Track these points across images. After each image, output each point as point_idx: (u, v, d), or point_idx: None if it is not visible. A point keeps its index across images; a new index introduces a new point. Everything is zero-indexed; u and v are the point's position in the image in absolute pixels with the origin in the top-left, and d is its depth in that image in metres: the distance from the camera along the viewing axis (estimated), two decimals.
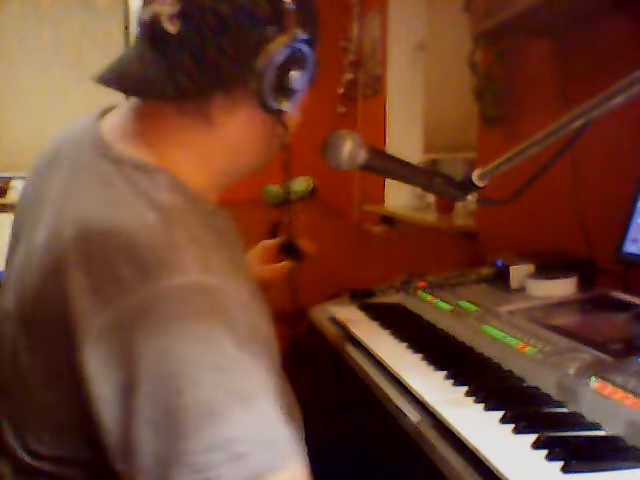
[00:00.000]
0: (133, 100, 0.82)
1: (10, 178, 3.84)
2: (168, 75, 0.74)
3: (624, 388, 0.80)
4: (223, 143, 0.82)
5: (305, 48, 0.78)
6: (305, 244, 1.20)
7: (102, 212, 0.72)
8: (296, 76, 0.78)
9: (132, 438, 0.64)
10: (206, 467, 0.62)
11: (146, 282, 0.66)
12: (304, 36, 0.77)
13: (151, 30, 0.75)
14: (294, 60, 0.77)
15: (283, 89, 0.78)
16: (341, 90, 3.86)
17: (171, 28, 0.73)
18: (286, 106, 0.79)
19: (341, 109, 3.89)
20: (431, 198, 2.92)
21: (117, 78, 0.78)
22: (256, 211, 3.58)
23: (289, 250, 1.01)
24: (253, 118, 0.81)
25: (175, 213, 0.73)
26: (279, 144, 0.85)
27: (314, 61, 0.81)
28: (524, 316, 1.15)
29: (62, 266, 0.69)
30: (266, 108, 0.78)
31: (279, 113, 0.80)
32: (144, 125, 0.80)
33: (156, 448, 0.63)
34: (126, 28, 3.88)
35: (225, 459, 0.63)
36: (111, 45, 3.75)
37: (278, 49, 0.75)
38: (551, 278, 1.27)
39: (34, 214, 0.80)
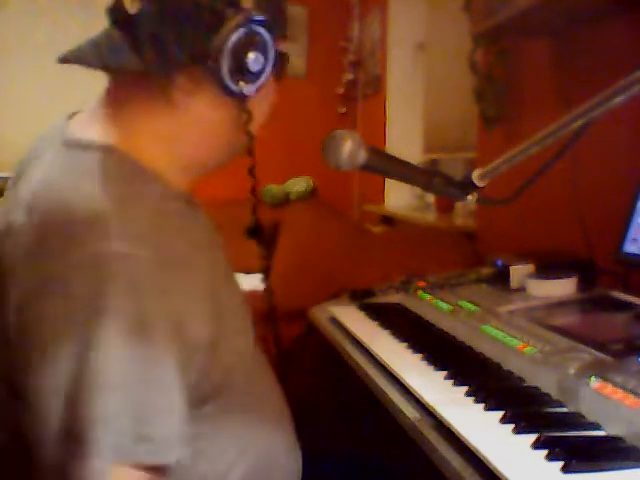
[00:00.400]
0: (102, 94, 0.86)
1: (8, 178, 3.84)
2: (131, 50, 0.78)
3: (624, 388, 0.80)
4: (187, 127, 0.84)
5: (262, 31, 0.81)
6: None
7: (47, 188, 0.76)
8: (254, 58, 0.81)
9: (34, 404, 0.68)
10: (96, 439, 0.65)
11: (64, 251, 0.69)
12: (260, 18, 0.80)
13: (114, 12, 0.79)
14: (251, 42, 0.80)
15: (241, 71, 0.80)
16: (341, 90, 3.86)
17: (131, 9, 0.77)
18: (247, 89, 0.82)
19: (341, 109, 3.89)
20: (431, 198, 2.92)
21: (82, 55, 0.81)
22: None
23: (255, 233, 1.00)
24: (215, 101, 0.83)
25: (111, 188, 0.75)
26: (245, 133, 0.86)
27: (275, 48, 0.84)
28: (524, 316, 1.15)
29: (9, 231, 0.75)
30: (224, 89, 0.80)
31: (241, 97, 0.82)
32: (111, 110, 0.83)
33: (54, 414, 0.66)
34: None
35: (125, 436, 0.66)
36: None
37: (233, 29, 0.78)
38: (551, 278, 1.27)
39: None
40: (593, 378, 0.84)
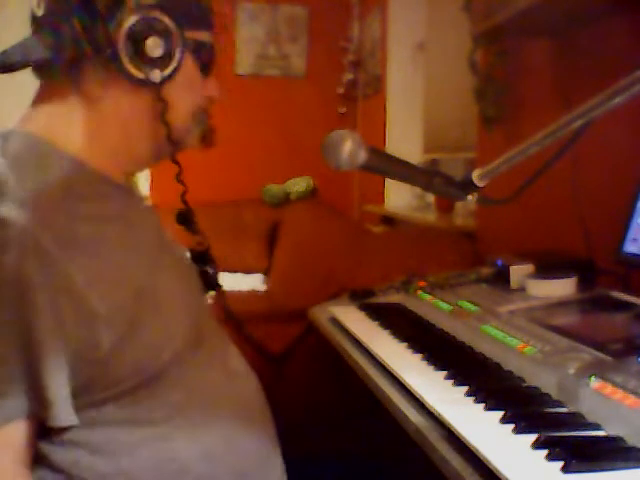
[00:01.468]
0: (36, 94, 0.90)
1: None
2: (43, 47, 0.83)
3: (624, 388, 0.80)
4: (106, 118, 0.87)
5: (161, 16, 0.83)
6: None
7: None
8: (152, 44, 0.83)
9: None
10: None
11: None
12: (153, 3, 0.83)
13: (30, 19, 0.87)
14: (148, 27, 0.83)
15: (141, 57, 0.83)
16: (341, 90, 3.86)
17: (38, 12, 0.85)
18: (153, 76, 0.84)
19: (341, 109, 3.89)
20: (431, 198, 2.92)
21: (7, 58, 0.85)
22: (256, 211, 3.58)
23: (184, 220, 1.00)
24: (129, 90, 0.86)
25: (9, 163, 0.80)
26: (163, 122, 0.87)
27: (193, 38, 0.87)
28: (524, 316, 1.15)
29: None
30: (127, 76, 0.83)
31: (151, 85, 0.85)
32: (40, 107, 0.88)
33: None
34: None
35: None
36: None
37: (126, 15, 0.82)
38: (551, 278, 1.27)
39: None
40: (593, 378, 0.84)
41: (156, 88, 0.85)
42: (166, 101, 0.86)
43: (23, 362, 0.74)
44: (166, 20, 0.83)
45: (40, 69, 0.87)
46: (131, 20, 0.82)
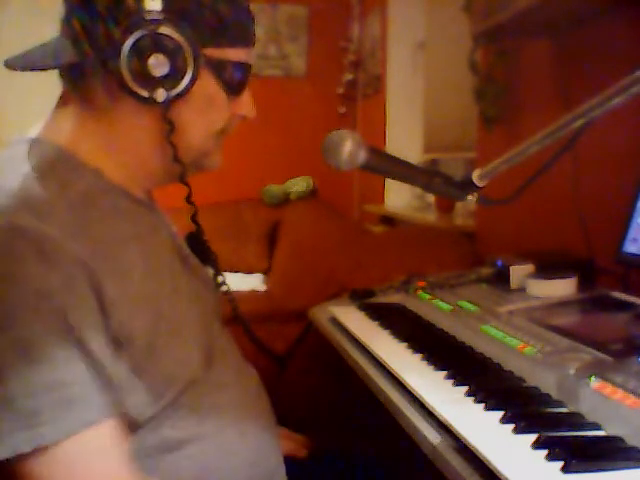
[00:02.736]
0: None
1: None
2: (53, 54, 0.83)
3: (624, 388, 0.80)
4: (116, 132, 0.84)
5: (171, 32, 0.78)
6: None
7: None
8: (155, 62, 0.79)
9: None
10: (32, 411, 0.66)
11: None
12: (158, 18, 0.77)
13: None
14: (154, 44, 0.78)
15: (143, 75, 0.79)
16: (341, 90, 3.86)
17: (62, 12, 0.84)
18: (158, 96, 0.79)
19: (341, 109, 3.89)
20: (431, 198, 2.92)
21: (29, 60, 0.84)
22: (256, 211, 3.58)
23: (195, 242, 0.97)
24: (135, 106, 0.82)
25: (26, 171, 0.78)
26: (169, 144, 0.83)
27: (220, 58, 0.82)
28: (524, 316, 1.15)
29: None
30: (130, 93, 0.79)
31: (157, 104, 0.80)
32: (62, 114, 0.86)
33: None
34: None
35: (52, 402, 0.67)
36: None
37: (130, 30, 0.77)
38: (551, 278, 1.27)
39: None
40: (593, 378, 0.84)
41: (164, 108, 0.81)
42: (172, 122, 0.82)
43: (85, 362, 0.72)
44: (176, 37, 0.78)
45: (63, 73, 0.85)
46: (136, 35, 0.77)
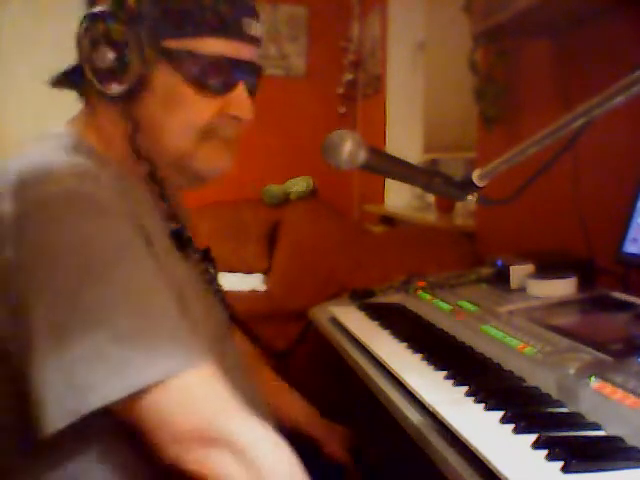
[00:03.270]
0: None
1: None
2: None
3: (624, 388, 0.80)
4: (102, 128, 0.86)
5: (112, 23, 0.79)
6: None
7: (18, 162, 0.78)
8: (99, 54, 0.79)
9: (33, 347, 0.67)
10: (116, 359, 0.67)
11: (17, 197, 0.71)
12: (99, 10, 0.79)
13: None
14: (101, 35, 0.79)
15: (96, 69, 0.80)
16: (341, 90, 3.86)
17: None
18: (112, 90, 0.80)
19: (341, 109, 3.89)
20: (431, 198, 2.92)
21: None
22: (256, 211, 3.58)
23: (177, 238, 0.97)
24: (107, 104, 0.84)
25: (67, 156, 0.79)
26: (130, 143, 0.84)
27: (180, 48, 0.80)
28: (524, 316, 1.15)
29: None
30: (91, 87, 0.82)
31: (116, 100, 0.82)
32: (80, 114, 0.90)
33: (58, 348, 0.66)
34: None
35: (137, 349, 0.68)
36: None
37: (86, 27, 0.80)
38: (551, 278, 1.27)
39: None
40: (593, 378, 0.84)
41: (123, 103, 0.82)
42: (134, 118, 0.82)
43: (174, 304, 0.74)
44: (118, 28, 0.78)
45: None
46: (86, 28, 0.80)
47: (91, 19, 0.80)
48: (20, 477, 0.75)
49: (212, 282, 0.99)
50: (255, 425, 0.72)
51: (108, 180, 0.78)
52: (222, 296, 1.00)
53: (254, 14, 0.86)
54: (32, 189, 0.72)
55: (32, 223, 0.70)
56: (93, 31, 0.79)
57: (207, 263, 0.99)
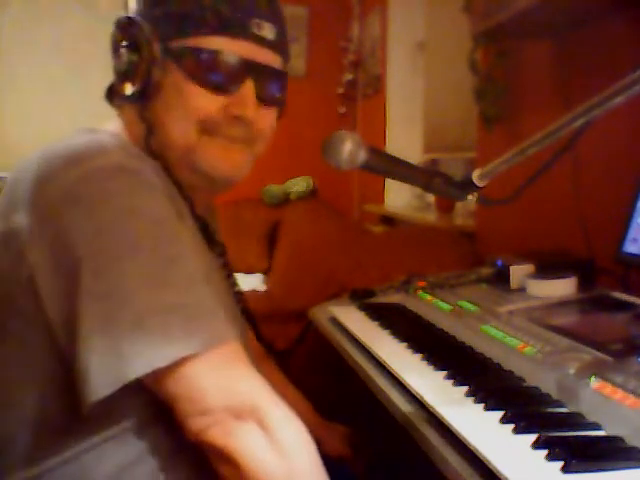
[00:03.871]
0: None
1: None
2: None
3: (624, 388, 0.80)
4: (129, 129, 0.90)
5: (125, 27, 0.84)
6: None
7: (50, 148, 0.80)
8: (120, 57, 0.84)
9: (79, 314, 0.68)
10: (159, 329, 0.68)
11: (69, 168, 0.74)
12: (126, 15, 0.84)
13: None
14: (120, 39, 0.85)
15: (116, 70, 0.86)
16: (341, 90, 3.86)
17: None
18: (127, 89, 0.84)
19: (341, 109, 3.89)
20: (431, 198, 2.92)
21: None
22: (256, 211, 3.58)
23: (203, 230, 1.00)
24: (130, 106, 0.89)
25: (109, 143, 0.81)
26: (148, 145, 0.86)
27: (179, 45, 0.83)
28: (524, 316, 1.15)
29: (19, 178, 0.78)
30: (117, 89, 0.86)
31: (131, 100, 0.86)
32: (114, 118, 0.93)
33: (103, 316, 0.68)
34: None
35: (178, 321, 0.69)
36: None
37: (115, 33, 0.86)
38: (551, 278, 1.27)
39: None
40: (593, 378, 0.84)
41: (140, 105, 0.86)
42: (148, 120, 0.85)
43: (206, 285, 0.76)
44: (132, 32, 0.83)
45: None
46: (113, 34, 0.86)
47: (115, 25, 0.85)
48: (52, 457, 0.76)
49: (230, 276, 1.03)
50: (283, 407, 0.73)
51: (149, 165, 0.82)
52: (238, 290, 1.02)
53: (265, 16, 0.87)
54: (85, 162, 0.75)
55: (83, 193, 0.73)
56: (115, 36, 0.85)
57: (225, 258, 1.02)
